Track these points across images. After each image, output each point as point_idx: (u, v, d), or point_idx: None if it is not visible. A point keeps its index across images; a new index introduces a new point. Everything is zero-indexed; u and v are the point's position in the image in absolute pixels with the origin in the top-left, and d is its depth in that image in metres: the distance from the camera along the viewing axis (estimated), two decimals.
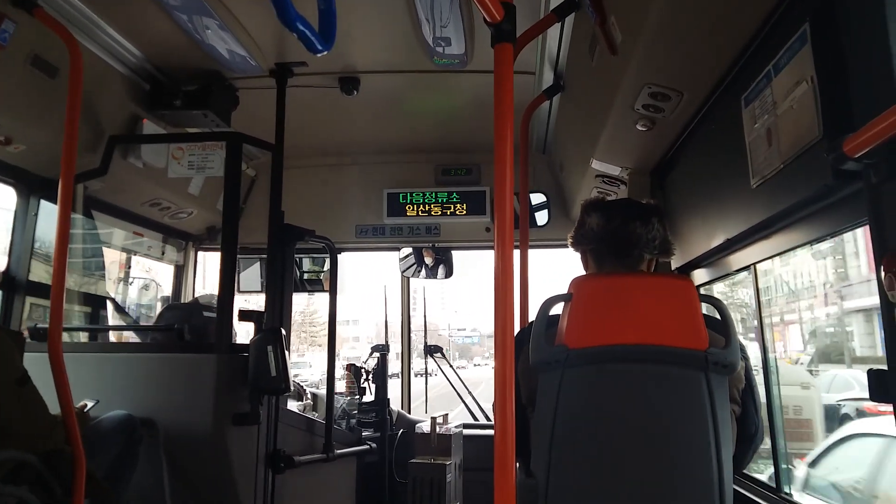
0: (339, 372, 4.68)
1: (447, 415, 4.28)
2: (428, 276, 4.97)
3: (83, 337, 3.91)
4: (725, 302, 2.19)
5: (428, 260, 4.93)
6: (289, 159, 3.55)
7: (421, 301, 6.42)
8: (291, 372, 3.09)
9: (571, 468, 1.84)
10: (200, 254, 5.03)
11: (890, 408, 1.40)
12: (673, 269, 3.20)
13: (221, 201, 3.57)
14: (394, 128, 4.56)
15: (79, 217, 3.73)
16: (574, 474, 1.85)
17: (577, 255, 2.26)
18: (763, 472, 2.75)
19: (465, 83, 3.80)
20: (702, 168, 2.72)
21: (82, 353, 3.11)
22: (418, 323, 5.52)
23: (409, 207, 4.84)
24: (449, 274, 4.96)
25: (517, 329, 2.24)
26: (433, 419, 4.10)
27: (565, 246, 2.29)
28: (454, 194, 4.81)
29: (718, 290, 3.41)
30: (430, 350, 5.15)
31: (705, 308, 1.93)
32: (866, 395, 1.45)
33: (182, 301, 4.82)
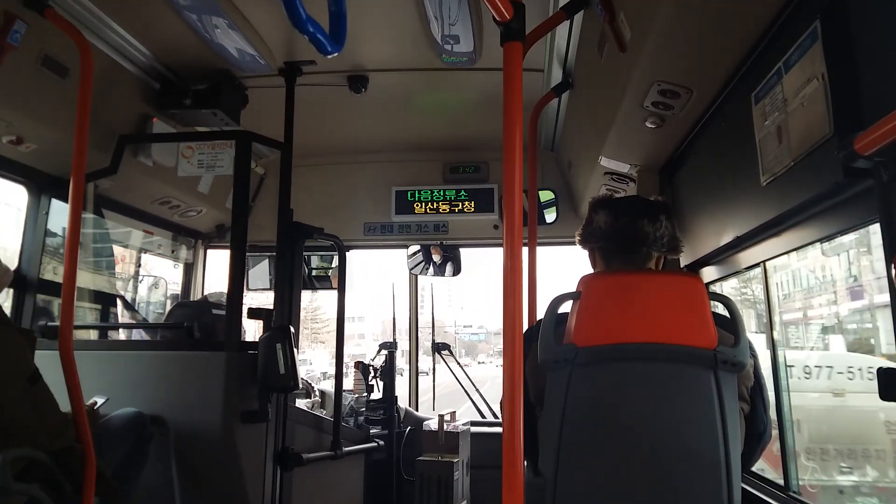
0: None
1: (455, 412, 4.28)
2: (436, 274, 4.97)
3: (93, 335, 3.93)
4: (739, 298, 2.18)
5: (436, 257, 4.93)
6: (297, 157, 3.56)
7: (428, 298, 6.42)
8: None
9: (580, 467, 1.84)
10: (209, 251, 5.06)
11: None
12: (682, 266, 3.19)
13: (231, 199, 3.58)
14: (402, 126, 4.56)
15: (89, 216, 3.75)
16: (582, 473, 1.84)
17: (586, 253, 2.26)
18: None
19: (474, 81, 3.79)
20: (711, 165, 2.71)
21: (92, 351, 3.13)
22: (425, 320, 5.51)
23: (417, 205, 4.85)
24: (457, 271, 4.96)
25: (525, 327, 2.24)
26: (441, 417, 4.10)
27: (573, 243, 2.28)
28: (462, 192, 4.81)
29: (731, 285, 3.39)
30: (438, 348, 5.15)
31: (719, 307, 1.92)
32: None
33: (191, 299, 4.85)
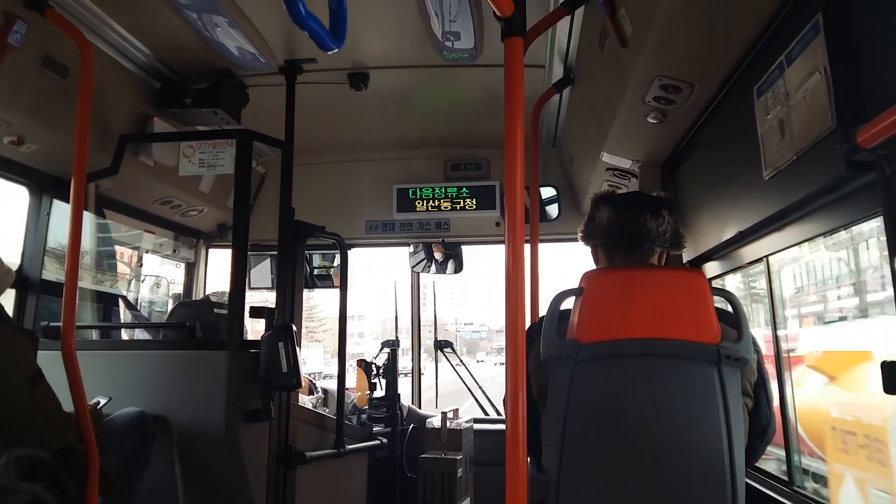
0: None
1: (457, 409, 4.29)
2: (438, 272, 4.97)
3: (95, 335, 3.93)
4: (748, 292, 2.18)
5: (438, 255, 4.94)
6: (299, 156, 3.56)
7: (430, 296, 6.42)
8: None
9: (583, 463, 1.84)
10: (211, 251, 5.06)
11: None
12: (685, 262, 3.18)
13: (232, 199, 3.58)
14: (403, 123, 4.56)
15: (90, 215, 3.75)
16: (586, 469, 1.84)
17: (588, 249, 2.26)
18: None
19: (475, 77, 3.79)
20: (714, 160, 2.70)
21: (95, 351, 3.14)
22: (426, 318, 5.52)
23: (418, 203, 4.84)
24: (459, 269, 4.96)
25: (528, 324, 2.23)
26: (444, 414, 4.11)
27: (576, 240, 2.28)
28: (464, 189, 4.80)
29: (739, 280, 3.37)
30: (440, 345, 5.16)
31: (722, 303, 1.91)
32: None
33: (193, 298, 4.85)
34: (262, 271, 4.90)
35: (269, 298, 4.50)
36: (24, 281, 3.34)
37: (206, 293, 4.91)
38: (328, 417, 3.65)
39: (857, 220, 1.80)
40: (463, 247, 4.99)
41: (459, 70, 3.70)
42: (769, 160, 1.98)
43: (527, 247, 3.21)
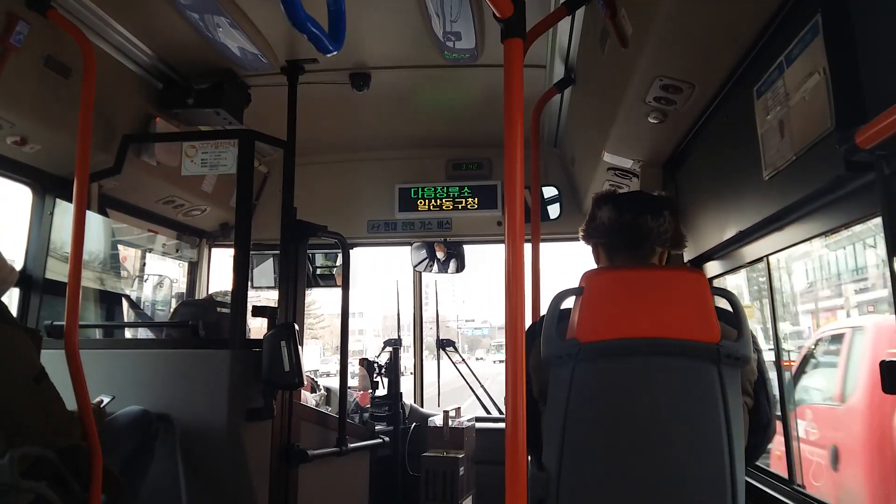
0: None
1: (459, 408, 4.30)
2: (440, 271, 4.98)
3: (99, 334, 3.95)
4: (756, 288, 2.17)
5: (440, 254, 4.94)
6: (301, 156, 3.57)
7: (432, 295, 6.43)
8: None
9: (583, 461, 1.85)
10: (214, 250, 5.07)
11: None
12: (686, 261, 3.19)
13: (234, 198, 3.59)
14: (405, 123, 4.57)
15: (94, 215, 3.77)
16: (586, 467, 1.85)
17: (589, 249, 2.26)
18: None
19: (476, 77, 3.80)
20: (714, 160, 2.70)
21: (98, 350, 3.15)
22: (428, 315, 5.53)
23: (420, 202, 4.85)
24: (461, 268, 4.97)
25: (528, 323, 2.24)
26: (446, 413, 4.12)
27: (577, 239, 2.28)
28: (465, 188, 4.81)
29: (749, 275, 3.37)
30: (442, 344, 5.17)
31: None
32: None
33: (196, 297, 4.87)
34: (264, 270, 4.92)
35: (272, 297, 4.51)
36: (27, 280, 3.36)
37: (209, 292, 4.93)
38: (330, 416, 3.66)
39: (856, 221, 1.80)
40: (465, 246, 5.00)
41: (461, 70, 3.71)
42: (769, 160, 1.99)
43: (528, 246, 3.21)
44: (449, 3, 2.92)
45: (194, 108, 3.71)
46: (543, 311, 2.04)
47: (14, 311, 3.28)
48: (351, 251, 3.97)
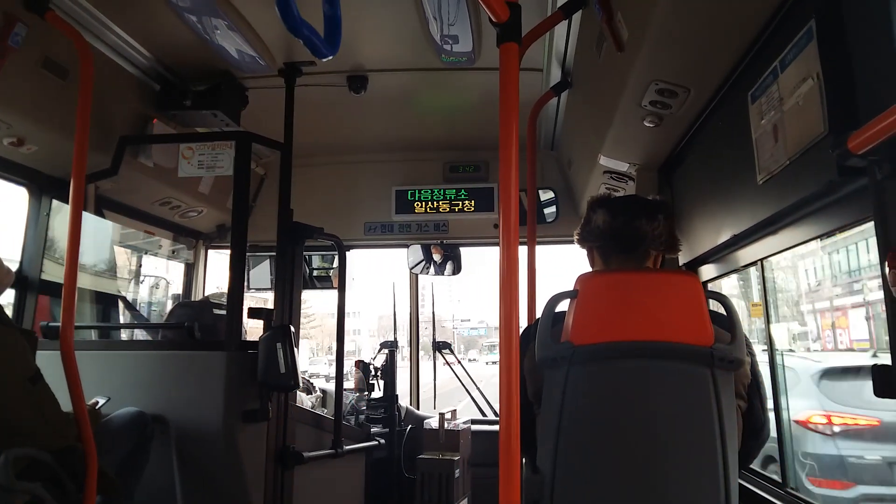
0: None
1: (455, 410, 4.30)
2: (437, 273, 4.99)
3: (94, 335, 3.95)
4: (759, 287, 2.17)
5: (436, 257, 4.95)
6: (298, 158, 3.57)
7: (429, 297, 6.44)
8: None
9: (577, 464, 1.85)
10: (210, 252, 5.07)
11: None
12: (680, 265, 3.20)
13: (231, 200, 3.60)
14: (402, 125, 4.57)
15: (90, 216, 3.77)
16: (580, 470, 1.85)
17: (584, 252, 2.27)
18: None
19: (473, 81, 3.80)
20: (709, 164, 2.72)
21: (94, 351, 3.15)
22: (423, 316, 5.53)
23: (417, 204, 4.86)
24: (457, 270, 4.98)
25: (523, 325, 2.25)
26: (441, 415, 4.12)
27: (573, 242, 2.29)
28: (462, 191, 4.82)
29: (754, 274, 3.37)
30: (439, 346, 5.17)
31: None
32: None
33: (193, 299, 4.86)
34: (261, 272, 4.92)
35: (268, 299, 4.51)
36: (23, 281, 3.36)
37: (206, 294, 4.93)
38: (326, 418, 3.66)
39: (849, 225, 1.81)
40: (462, 248, 5.01)
41: (458, 73, 3.72)
42: (763, 164, 2.00)
43: (524, 249, 3.22)
44: (446, 7, 2.93)
45: (191, 110, 3.71)
46: (539, 313, 2.04)
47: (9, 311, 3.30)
48: (347, 253, 3.98)
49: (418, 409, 5.04)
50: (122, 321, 4.32)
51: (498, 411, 4.76)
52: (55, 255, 3.50)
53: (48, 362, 2.36)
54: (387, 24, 3.26)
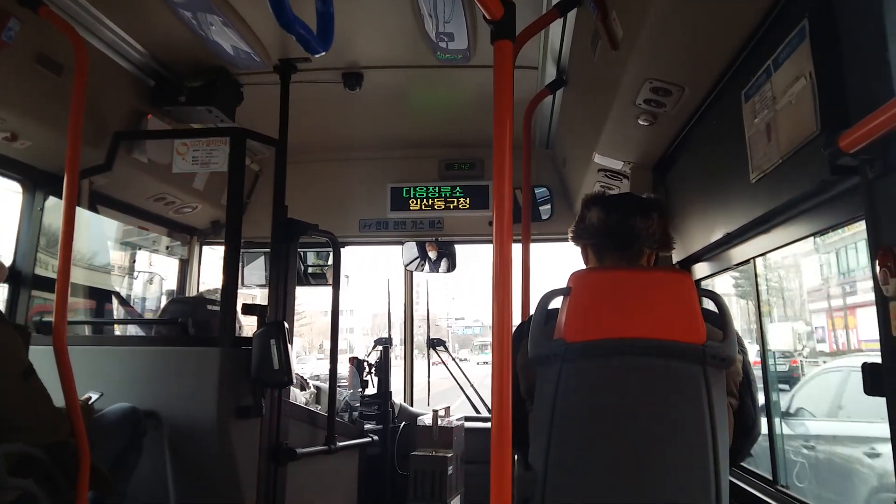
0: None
1: (449, 408, 4.31)
2: (431, 270, 4.99)
3: (87, 330, 3.94)
4: (764, 287, 2.17)
5: (431, 254, 4.96)
6: (293, 154, 3.57)
7: (423, 293, 6.44)
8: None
9: (569, 461, 1.86)
10: (205, 248, 5.07)
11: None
12: (674, 263, 3.21)
13: (226, 196, 3.59)
14: (397, 123, 4.57)
15: (84, 212, 3.76)
16: (572, 467, 1.86)
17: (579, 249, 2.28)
18: None
19: (468, 78, 3.81)
20: (703, 162, 2.72)
21: (87, 347, 3.14)
22: (418, 314, 5.54)
23: (412, 202, 4.86)
24: (452, 268, 4.99)
25: (516, 323, 2.25)
26: (435, 412, 4.13)
27: (568, 240, 2.29)
28: (457, 188, 4.83)
29: (763, 272, 3.37)
30: (433, 343, 5.18)
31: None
32: None
33: (186, 295, 4.86)
34: (255, 269, 4.91)
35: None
36: (16, 276, 3.35)
37: (199, 290, 4.92)
38: (319, 414, 3.66)
39: (841, 224, 1.82)
40: (456, 245, 5.02)
41: (453, 70, 3.72)
42: (756, 163, 2.01)
43: (518, 246, 3.23)
44: (441, 4, 2.93)
45: (186, 106, 3.70)
46: (533, 311, 2.05)
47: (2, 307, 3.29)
48: (342, 250, 3.98)
49: (412, 405, 5.04)
50: (115, 317, 4.32)
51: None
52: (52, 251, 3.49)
53: (41, 358, 2.35)
54: (382, 21, 3.26)
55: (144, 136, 3.68)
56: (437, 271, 5.00)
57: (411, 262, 4.99)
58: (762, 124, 1.94)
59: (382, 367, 4.62)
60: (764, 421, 2.29)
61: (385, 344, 4.70)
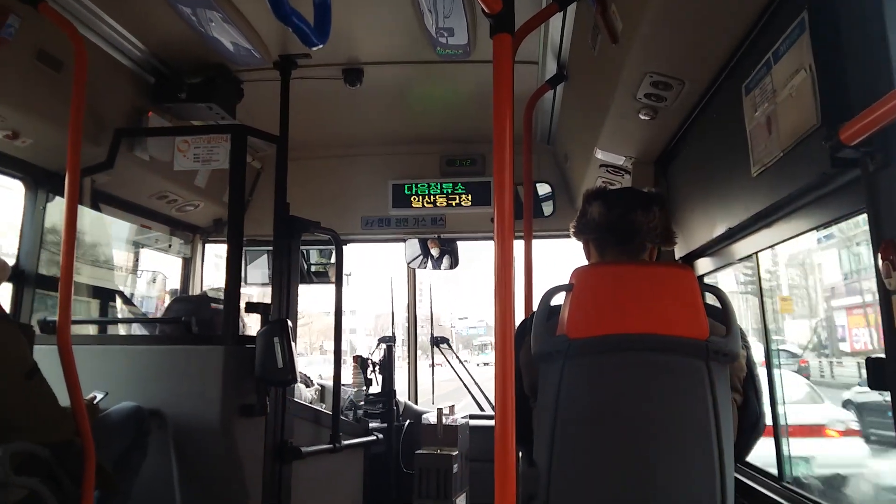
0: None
1: (453, 406, 4.30)
2: (434, 268, 4.99)
3: (92, 329, 3.95)
4: (774, 284, 2.16)
5: (433, 251, 4.95)
6: (294, 151, 3.56)
7: (426, 291, 6.44)
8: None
9: (573, 458, 1.85)
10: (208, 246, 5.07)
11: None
12: (676, 258, 3.20)
13: (228, 194, 3.59)
14: (398, 119, 4.57)
15: (86, 210, 3.76)
16: (575, 464, 1.86)
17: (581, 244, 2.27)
18: None
19: (469, 74, 3.80)
20: (704, 157, 2.71)
21: (91, 346, 3.15)
22: (422, 313, 5.54)
23: (414, 199, 4.86)
24: (454, 265, 4.98)
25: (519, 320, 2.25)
26: (439, 410, 4.13)
27: (570, 236, 2.29)
28: (459, 185, 4.82)
29: (766, 269, 3.36)
30: (437, 341, 5.18)
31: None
32: None
33: (190, 293, 4.86)
34: (258, 267, 4.92)
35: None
36: (20, 275, 3.36)
37: (203, 288, 4.93)
38: (324, 413, 3.66)
39: (843, 217, 1.81)
40: (459, 242, 5.01)
41: (454, 66, 3.71)
42: (757, 157, 2.00)
43: (520, 243, 3.22)
44: None
45: (187, 103, 3.70)
46: (535, 307, 2.04)
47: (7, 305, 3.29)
48: (344, 247, 3.97)
49: (416, 404, 5.04)
50: (119, 316, 4.32)
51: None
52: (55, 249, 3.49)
53: (46, 357, 2.36)
54: (382, 16, 3.25)
55: (145, 133, 3.69)
56: (440, 268, 5.00)
57: (414, 260, 4.99)
58: (763, 117, 1.93)
59: (386, 366, 4.62)
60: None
61: (389, 342, 4.70)
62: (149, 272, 4.88)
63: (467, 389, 5.05)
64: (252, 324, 3.43)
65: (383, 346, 4.71)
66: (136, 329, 4.05)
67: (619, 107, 2.70)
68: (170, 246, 4.83)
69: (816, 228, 2.02)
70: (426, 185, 4.84)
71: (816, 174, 1.64)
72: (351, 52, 3.60)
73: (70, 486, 2.30)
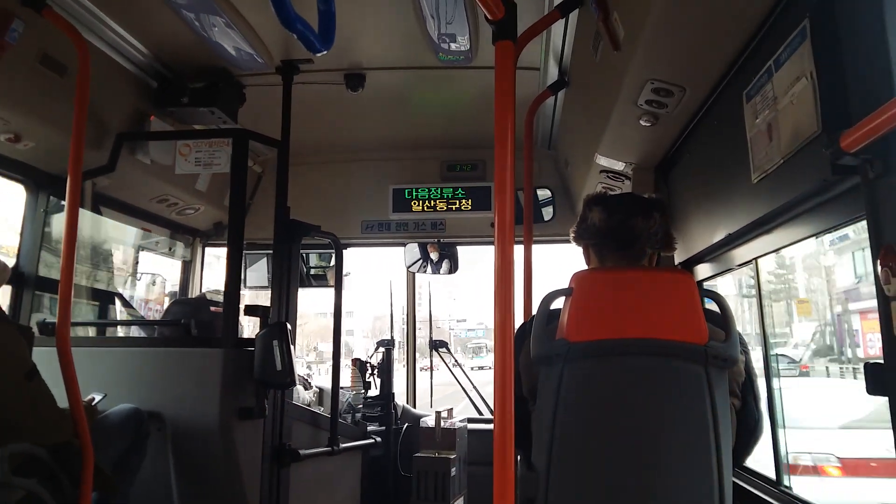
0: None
1: (451, 409, 4.30)
2: (433, 272, 5.00)
3: (91, 331, 3.95)
4: (781, 287, 2.17)
5: (433, 255, 4.96)
6: (295, 156, 3.57)
7: (425, 295, 6.44)
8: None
9: (571, 461, 1.86)
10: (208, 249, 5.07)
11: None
12: (676, 263, 3.20)
13: (228, 198, 3.60)
14: (399, 124, 4.58)
15: (87, 213, 3.77)
16: (574, 467, 1.86)
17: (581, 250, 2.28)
18: None
19: (470, 79, 3.81)
20: (705, 163, 2.72)
21: (90, 348, 3.15)
22: (420, 316, 5.54)
23: (414, 203, 4.87)
24: (454, 269, 4.99)
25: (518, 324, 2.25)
26: (438, 413, 4.13)
27: (571, 241, 2.29)
28: (459, 190, 4.83)
29: (769, 270, 3.36)
30: (435, 345, 5.18)
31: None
32: None
33: (189, 296, 4.87)
34: (258, 270, 4.92)
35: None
36: (20, 277, 3.36)
37: (202, 291, 4.93)
38: (322, 415, 3.67)
39: (843, 224, 1.82)
40: (459, 247, 5.02)
41: (455, 72, 3.72)
42: (757, 163, 2.01)
43: (520, 248, 3.23)
44: (443, 5, 2.93)
45: (189, 107, 3.71)
46: (535, 312, 2.05)
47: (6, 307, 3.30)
48: (344, 252, 3.98)
49: (415, 407, 5.04)
50: (118, 318, 4.33)
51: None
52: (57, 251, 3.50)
53: (45, 359, 2.36)
54: (384, 22, 3.26)
55: (147, 137, 3.69)
56: (439, 273, 5.00)
57: (413, 264, 5.00)
58: (763, 124, 1.94)
59: (385, 369, 4.62)
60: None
61: (387, 345, 4.70)
62: (148, 275, 4.88)
63: (465, 393, 5.05)
64: (248, 326, 3.44)
65: (382, 349, 4.71)
66: (135, 331, 4.06)
67: (620, 113, 2.71)
68: (170, 249, 4.84)
69: (816, 235, 2.03)
70: (426, 190, 4.85)
71: (817, 181, 1.65)
72: (353, 57, 3.61)
73: (69, 488, 2.30)
